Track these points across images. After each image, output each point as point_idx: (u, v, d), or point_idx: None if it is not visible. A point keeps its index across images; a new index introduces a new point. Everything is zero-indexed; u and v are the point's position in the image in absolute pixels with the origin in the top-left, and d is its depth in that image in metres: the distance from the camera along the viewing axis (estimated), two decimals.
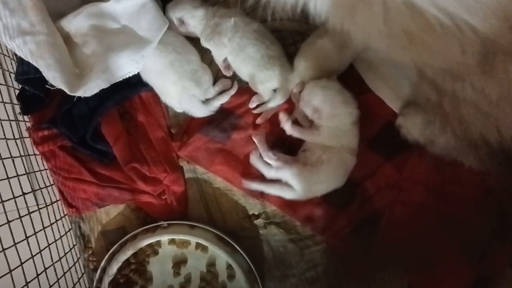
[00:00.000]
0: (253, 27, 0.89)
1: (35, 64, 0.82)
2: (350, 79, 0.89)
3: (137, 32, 0.87)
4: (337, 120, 0.84)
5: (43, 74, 0.83)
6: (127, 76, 0.87)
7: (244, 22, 0.89)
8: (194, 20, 0.91)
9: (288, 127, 0.88)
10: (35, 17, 0.81)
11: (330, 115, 0.84)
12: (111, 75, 0.85)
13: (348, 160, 0.85)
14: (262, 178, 0.90)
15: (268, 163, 0.88)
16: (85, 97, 0.90)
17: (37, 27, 0.81)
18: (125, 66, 0.85)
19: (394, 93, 0.89)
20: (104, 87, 0.85)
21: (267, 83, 0.90)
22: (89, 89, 0.84)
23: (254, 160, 0.90)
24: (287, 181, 0.86)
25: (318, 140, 0.86)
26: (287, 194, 0.87)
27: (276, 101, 0.91)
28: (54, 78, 0.82)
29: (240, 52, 0.88)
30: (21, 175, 0.90)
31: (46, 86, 0.94)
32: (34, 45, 0.81)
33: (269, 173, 0.88)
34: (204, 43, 0.92)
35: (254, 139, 0.91)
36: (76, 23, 0.85)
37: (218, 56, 0.93)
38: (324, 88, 0.84)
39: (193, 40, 0.94)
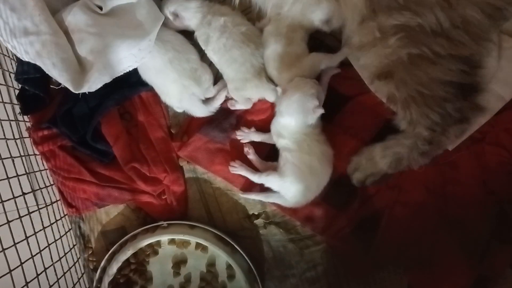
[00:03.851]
0: (241, 29, 0.89)
1: (40, 64, 0.82)
2: (350, 79, 0.89)
3: (133, 26, 0.87)
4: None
5: (48, 73, 0.84)
6: (128, 70, 0.87)
7: (234, 23, 0.89)
8: (188, 13, 0.90)
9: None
10: (37, 16, 0.81)
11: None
12: (112, 70, 0.85)
13: (310, 161, 0.85)
14: (261, 187, 0.92)
15: (250, 169, 0.91)
16: (85, 97, 0.91)
17: (41, 26, 0.81)
18: (124, 60, 0.86)
19: None
20: (107, 82, 0.85)
21: (242, 92, 0.90)
22: (93, 85, 0.84)
23: (236, 170, 0.92)
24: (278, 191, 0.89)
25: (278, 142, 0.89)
26: (284, 202, 0.89)
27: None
28: (59, 76, 0.83)
29: (225, 53, 0.89)
30: (21, 175, 0.90)
31: (51, 86, 0.95)
32: (40, 45, 0.81)
33: (254, 178, 0.91)
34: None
35: (248, 156, 0.92)
36: (72, 19, 0.85)
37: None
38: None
39: (193, 40, 0.94)
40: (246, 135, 0.93)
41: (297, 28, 0.88)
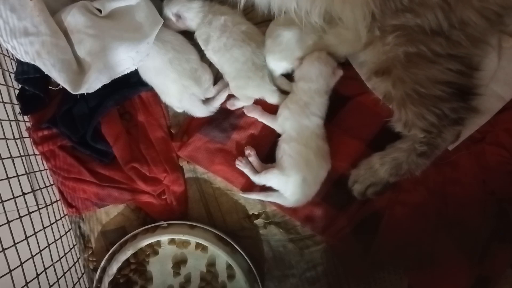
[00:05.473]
0: (241, 28, 0.89)
1: (40, 64, 0.82)
2: (349, 79, 0.89)
3: (131, 29, 0.87)
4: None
5: (47, 73, 0.84)
6: (126, 72, 0.87)
7: (234, 22, 0.89)
8: (190, 13, 0.91)
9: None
10: (37, 17, 0.81)
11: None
12: (111, 70, 0.86)
13: (306, 154, 0.86)
14: (261, 187, 0.92)
15: (253, 169, 0.92)
16: (85, 97, 0.91)
17: (40, 27, 0.81)
18: (122, 62, 0.86)
19: None
20: (105, 83, 0.85)
21: (244, 90, 0.90)
22: (91, 86, 0.84)
23: (241, 167, 0.92)
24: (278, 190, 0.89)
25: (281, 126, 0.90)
26: (284, 201, 0.89)
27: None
28: (58, 77, 0.83)
29: (225, 52, 0.89)
30: (21, 175, 0.90)
31: (49, 87, 0.95)
32: (39, 45, 0.81)
33: (254, 179, 0.91)
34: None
35: (249, 158, 0.93)
36: (71, 19, 0.85)
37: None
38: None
39: (193, 40, 0.94)
40: (253, 110, 0.93)
41: (322, 48, 0.88)
